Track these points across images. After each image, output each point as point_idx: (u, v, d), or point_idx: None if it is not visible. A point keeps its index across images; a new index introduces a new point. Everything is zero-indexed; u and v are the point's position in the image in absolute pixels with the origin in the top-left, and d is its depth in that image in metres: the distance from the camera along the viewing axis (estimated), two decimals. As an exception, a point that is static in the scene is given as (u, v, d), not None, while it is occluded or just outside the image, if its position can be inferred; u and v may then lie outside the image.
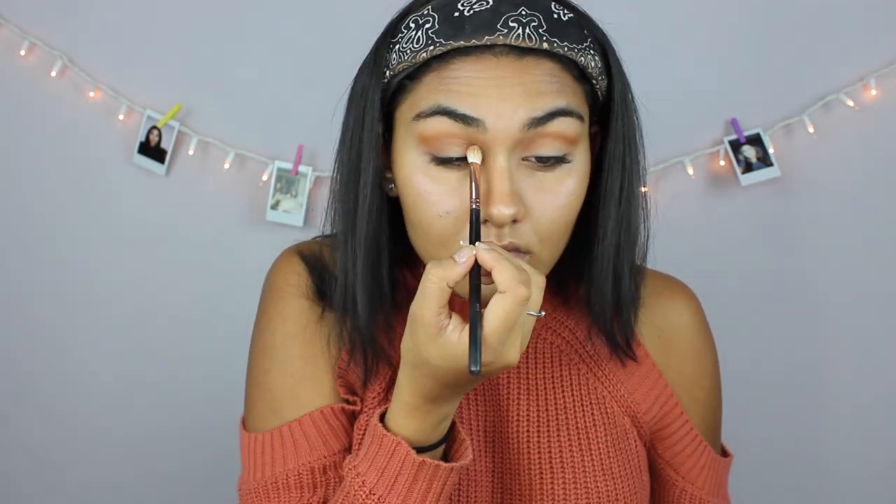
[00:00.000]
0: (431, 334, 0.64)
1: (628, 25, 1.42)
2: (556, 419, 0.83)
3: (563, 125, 0.69)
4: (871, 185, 1.48)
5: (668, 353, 0.87)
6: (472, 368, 0.60)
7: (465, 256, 0.63)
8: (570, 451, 0.82)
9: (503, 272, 0.62)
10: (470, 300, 0.62)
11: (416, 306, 0.64)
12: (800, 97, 1.46)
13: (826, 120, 1.46)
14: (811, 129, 1.44)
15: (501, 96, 0.68)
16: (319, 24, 1.48)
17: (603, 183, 0.76)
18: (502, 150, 0.68)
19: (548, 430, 0.83)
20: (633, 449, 0.85)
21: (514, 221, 0.69)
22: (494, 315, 0.61)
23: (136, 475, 1.65)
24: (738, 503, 0.97)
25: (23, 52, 1.52)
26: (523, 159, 0.70)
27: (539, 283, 0.65)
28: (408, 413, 0.69)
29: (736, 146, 1.45)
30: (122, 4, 1.51)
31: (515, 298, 0.61)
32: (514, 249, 0.70)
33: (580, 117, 0.71)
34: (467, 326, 0.63)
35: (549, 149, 0.70)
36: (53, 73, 1.52)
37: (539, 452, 0.82)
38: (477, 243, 0.65)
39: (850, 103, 1.43)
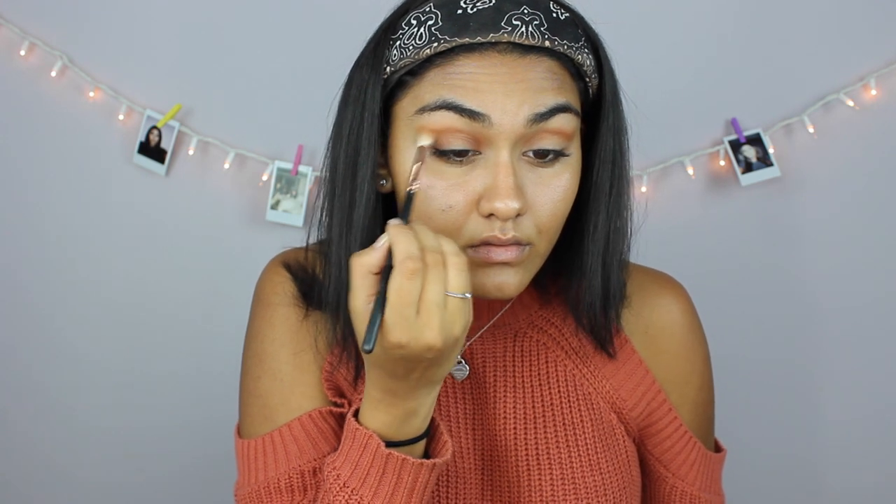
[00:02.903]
0: (364, 323, 0.64)
1: (628, 25, 1.44)
2: (543, 416, 0.83)
3: (563, 121, 0.71)
4: (871, 185, 1.48)
5: (656, 349, 0.87)
6: (366, 347, 0.60)
7: (382, 240, 0.64)
8: (558, 446, 0.82)
9: (396, 245, 0.62)
10: (381, 282, 0.63)
11: (349, 298, 0.65)
12: (800, 97, 1.46)
13: (826, 120, 1.46)
14: (811, 129, 1.44)
15: (506, 92, 0.69)
16: (320, 24, 1.48)
17: (593, 177, 0.77)
18: (506, 144, 0.70)
19: (535, 427, 0.83)
20: (620, 444, 0.85)
21: (518, 215, 0.71)
22: (390, 290, 0.62)
23: (135, 475, 1.65)
24: (732, 499, 0.97)
25: (23, 52, 1.52)
26: (523, 154, 0.72)
27: (458, 264, 0.64)
28: (374, 406, 0.71)
29: (736, 146, 1.45)
30: (122, 4, 1.51)
31: (402, 272, 0.61)
32: (517, 243, 0.72)
33: (577, 113, 0.73)
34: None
35: (549, 143, 0.72)
36: (53, 73, 1.52)
37: (526, 449, 0.82)
38: (390, 220, 0.65)
39: (850, 103, 1.43)
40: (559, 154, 0.73)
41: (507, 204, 0.69)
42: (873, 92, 1.43)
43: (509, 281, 0.73)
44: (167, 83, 1.53)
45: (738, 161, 1.45)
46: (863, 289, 1.51)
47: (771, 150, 1.44)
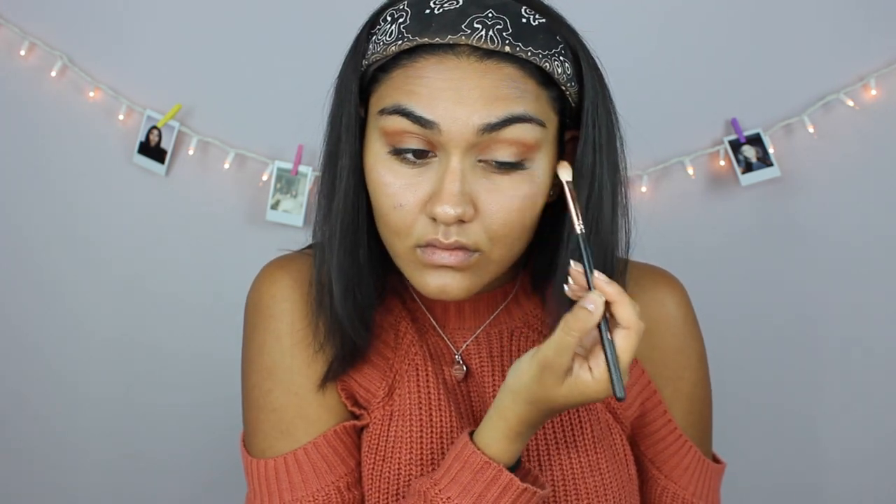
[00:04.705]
0: (560, 377, 0.69)
1: (628, 26, 1.44)
2: None
3: (520, 131, 0.70)
4: (871, 185, 1.48)
5: (649, 344, 0.86)
6: (621, 395, 0.66)
7: (597, 305, 0.67)
8: (557, 448, 0.82)
9: (625, 308, 0.67)
10: (603, 336, 0.67)
11: (551, 355, 0.68)
12: (800, 97, 1.45)
13: (826, 120, 1.46)
14: (811, 129, 1.44)
15: (458, 99, 0.69)
16: (320, 24, 1.48)
17: None
18: (457, 151, 0.70)
19: None
20: (618, 444, 0.85)
21: (463, 221, 0.71)
22: (622, 350, 0.67)
23: (136, 475, 1.65)
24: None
25: (23, 52, 1.52)
26: (480, 160, 0.72)
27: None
28: (513, 438, 0.73)
29: (736, 146, 1.45)
30: (122, 4, 1.51)
31: (638, 333, 0.67)
32: (461, 248, 0.72)
33: (541, 123, 0.71)
34: (597, 362, 0.68)
35: (505, 154, 0.71)
36: (53, 73, 1.52)
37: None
38: (596, 275, 0.68)
39: (850, 103, 1.43)
40: (515, 166, 0.72)
41: (445, 210, 0.69)
42: (873, 92, 1.43)
43: (452, 284, 0.74)
44: (167, 83, 1.53)
45: (738, 161, 1.45)
46: (863, 289, 1.51)
47: (771, 150, 1.44)
